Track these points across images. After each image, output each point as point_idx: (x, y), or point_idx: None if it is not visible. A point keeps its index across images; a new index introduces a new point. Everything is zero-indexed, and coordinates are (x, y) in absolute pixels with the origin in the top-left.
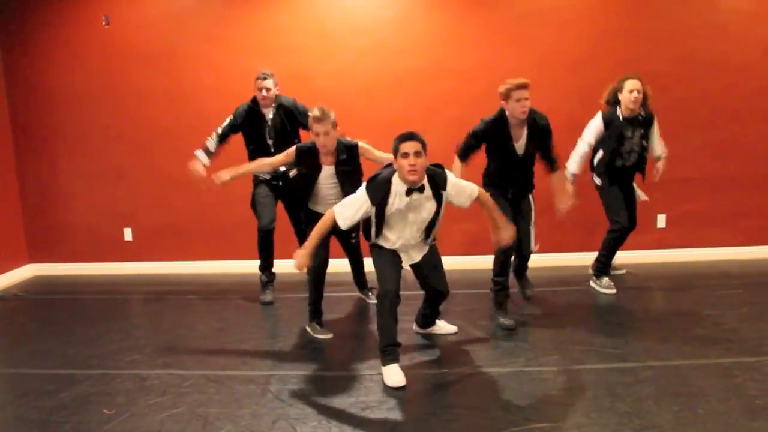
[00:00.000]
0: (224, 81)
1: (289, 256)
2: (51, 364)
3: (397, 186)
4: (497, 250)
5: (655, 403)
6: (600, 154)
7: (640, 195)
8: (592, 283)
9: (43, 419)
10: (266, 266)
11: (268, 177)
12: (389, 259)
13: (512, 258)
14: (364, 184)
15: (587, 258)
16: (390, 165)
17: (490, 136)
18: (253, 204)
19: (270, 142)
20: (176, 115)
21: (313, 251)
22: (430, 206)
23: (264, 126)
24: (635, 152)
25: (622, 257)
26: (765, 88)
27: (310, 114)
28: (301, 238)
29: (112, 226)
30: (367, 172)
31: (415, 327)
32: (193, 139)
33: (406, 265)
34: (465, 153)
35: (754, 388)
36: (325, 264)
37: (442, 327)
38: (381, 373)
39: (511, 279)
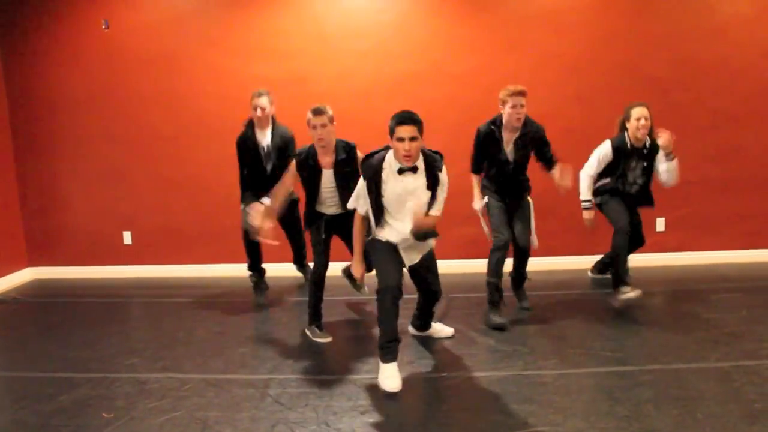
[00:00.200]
0: (223, 84)
1: (288, 260)
2: (50, 368)
3: (391, 165)
4: (490, 249)
5: (654, 407)
6: (604, 180)
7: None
8: (614, 299)
9: (43, 423)
10: (253, 266)
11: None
12: (389, 255)
13: (505, 259)
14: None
15: (585, 261)
16: (387, 146)
17: (485, 142)
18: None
19: (268, 167)
20: (176, 119)
21: (362, 257)
22: (423, 186)
23: (259, 150)
24: (637, 184)
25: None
26: (763, 91)
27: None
28: (296, 246)
29: (112, 229)
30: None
31: (410, 329)
32: (192, 142)
33: (407, 263)
34: (475, 166)
35: (753, 392)
36: (325, 267)
37: (439, 330)
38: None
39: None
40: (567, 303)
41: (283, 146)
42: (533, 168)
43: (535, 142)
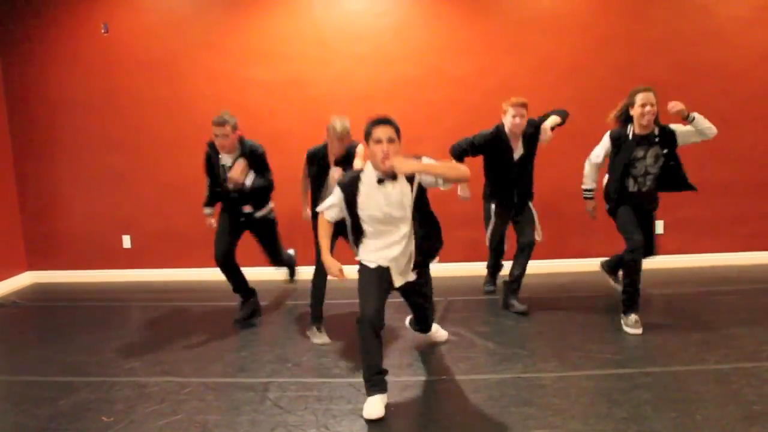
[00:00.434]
0: (222, 88)
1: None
2: (50, 372)
3: (369, 176)
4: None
5: (653, 409)
6: (608, 176)
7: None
8: (622, 321)
9: (42, 427)
10: (235, 289)
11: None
12: (372, 280)
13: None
14: None
15: (585, 264)
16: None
17: (489, 149)
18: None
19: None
20: (175, 123)
21: (330, 256)
22: (406, 191)
23: (218, 171)
24: (651, 174)
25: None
26: (761, 95)
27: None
28: (271, 258)
29: (111, 233)
30: None
31: (407, 323)
32: (191, 146)
33: (397, 284)
34: (459, 156)
35: (752, 394)
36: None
37: (435, 332)
38: None
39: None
40: (566, 306)
41: (257, 160)
42: (535, 169)
43: (534, 135)
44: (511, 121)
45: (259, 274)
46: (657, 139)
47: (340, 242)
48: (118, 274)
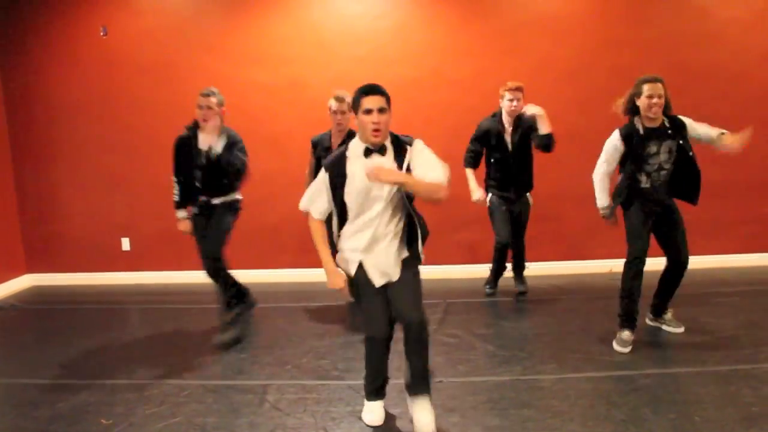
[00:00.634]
0: (222, 91)
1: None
2: (49, 374)
3: (355, 149)
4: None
5: (652, 411)
6: (621, 176)
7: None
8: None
9: (41, 429)
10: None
11: (196, 211)
12: (374, 297)
13: (505, 256)
14: None
15: (583, 266)
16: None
17: (487, 133)
18: None
19: (199, 174)
20: (173, 126)
21: (333, 265)
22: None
23: (194, 154)
24: (665, 169)
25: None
26: (760, 96)
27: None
28: (210, 265)
29: (110, 236)
30: None
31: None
32: None
33: (378, 283)
34: (469, 159)
35: (751, 396)
36: None
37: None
38: None
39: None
40: (564, 308)
41: (232, 146)
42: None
43: (531, 128)
44: (508, 104)
45: (257, 276)
46: (669, 131)
47: None
48: (117, 277)
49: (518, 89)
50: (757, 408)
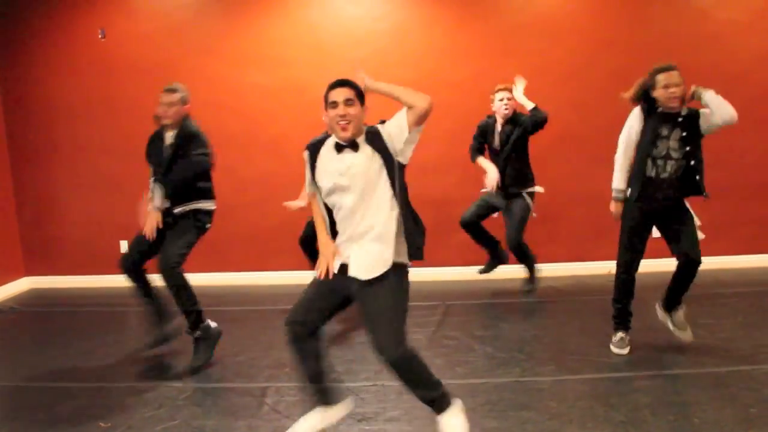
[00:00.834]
0: (220, 94)
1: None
2: (47, 377)
3: (331, 142)
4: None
5: (650, 412)
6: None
7: (696, 218)
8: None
9: None
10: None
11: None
12: (318, 282)
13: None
14: None
15: (582, 268)
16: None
17: (484, 131)
18: None
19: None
20: None
21: (328, 239)
22: (373, 165)
23: (161, 150)
24: (672, 160)
25: None
26: (758, 97)
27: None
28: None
29: (109, 238)
30: None
31: None
32: None
33: (335, 268)
34: (473, 153)
35: (750, 397)
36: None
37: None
38: (377, 384)
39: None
40: (563, 309)
41: (184, 143)
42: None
43: (523, 122)
44: (499, 105)
45: (255, 278)
46: (680, 119)
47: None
48: (115, 280)
49: (507, 89)
50: (756, 409)
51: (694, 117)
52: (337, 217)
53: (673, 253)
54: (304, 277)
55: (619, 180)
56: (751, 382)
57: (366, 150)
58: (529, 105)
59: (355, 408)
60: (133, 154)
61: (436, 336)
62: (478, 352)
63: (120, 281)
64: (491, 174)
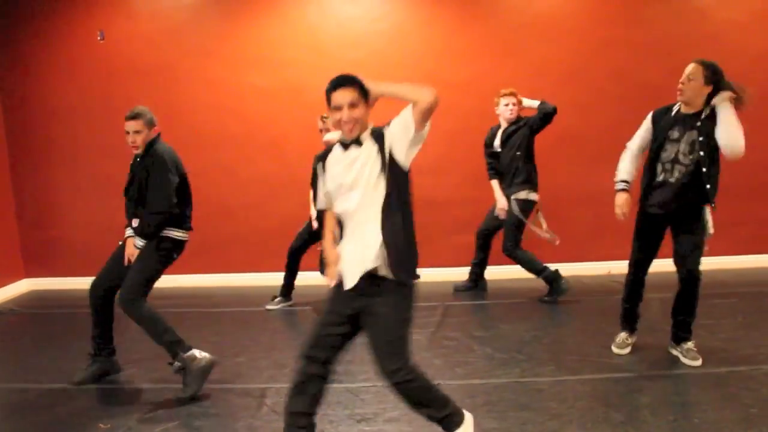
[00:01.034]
0: (219, 95)
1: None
2: (47, 379)
3: (336, 147)
4: None
5: (650, 412)
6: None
7: (709, 228)
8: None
9: None
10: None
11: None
12: (331, 306)
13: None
14: None
15: (582, 268)
16: None
17: (489, 143)
18: None
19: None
20: (171, 130)
21: (332, 246)
22: (377, 163)
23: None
24: (681, 164)
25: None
26: (758, 97)
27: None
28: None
29: (108, 240)
30: None
31: None
32: (187, 152)
33: (348, 284)
34: (491, 169)
35: (750, 398)
36: None
37: None
38: (376, 385)
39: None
40: (562, 310)
41: (148, 165)
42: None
43: (530, 120)
44: (504, 109)
45: (255, 279)
46: (699, 123)
47: None
48: None
49: (512, 94)
50: (756, 409)
51: (713, 120)
52: (345, 218)
53: (674, 262)
54: (303, 279)
55: (620, 171)
56: (751, 382)
57: (370, 146)
58: (535, 103)
59: (354, 409)
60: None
61: (436, 337)
62: (478, 352)
63: None
64: (500, 204)
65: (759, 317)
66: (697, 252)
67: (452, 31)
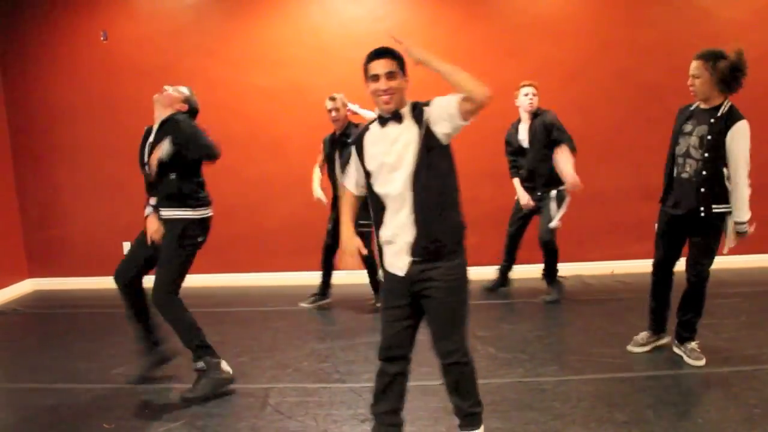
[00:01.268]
0: (222, 95)
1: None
2: (50, 379)
3: (373, 125)
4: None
5: (654, 412)
6: None
7: (730, 242)
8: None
9: None
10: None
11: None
12: (391, 308)
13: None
14: None
15: (583, 268)
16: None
17: (508, 138)
18: None
19: (145, 164)
20: None
21: (352, 231)
22: (412, 135)
23: (145, 144)
24: (692, 158)
25: (623, 265)
26: (758, 97)
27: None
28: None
29: (111, 240)
30: None
31: None
32: None
33: (400, 271)
34: (511, 168)
35: (753, 397)
36: None
37: None
38: None
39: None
40: (566, 310)
41: (168, 130)
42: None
43: (546, 126)
44: (524, 99)
45: (257, 279)
46: (712, 120)
47: None
48: None
49: (531, 84)
50: (760, 409)
51: (729, 119)
52: (387, 204)
53: (685, 262)
54: (305, 278)
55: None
56: (755, 382)
57: (411, 125)
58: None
59: (358, 409)
60: (135, 156)
61: None
62: (481, 352)
63: None
64: (523, 201)
65: (762, 317)
66: (708, 257)
67: (455, 31)
